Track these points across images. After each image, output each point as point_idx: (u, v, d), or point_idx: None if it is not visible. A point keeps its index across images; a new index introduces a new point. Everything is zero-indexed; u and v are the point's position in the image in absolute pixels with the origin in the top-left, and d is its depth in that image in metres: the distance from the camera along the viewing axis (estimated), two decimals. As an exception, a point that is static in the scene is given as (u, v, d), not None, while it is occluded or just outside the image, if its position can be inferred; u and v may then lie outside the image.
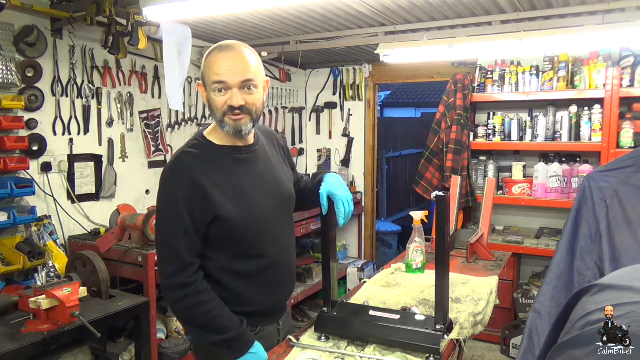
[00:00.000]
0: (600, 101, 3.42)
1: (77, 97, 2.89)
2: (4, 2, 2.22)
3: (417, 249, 2.10)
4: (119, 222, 2.79)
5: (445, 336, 1.43)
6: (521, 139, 3.78)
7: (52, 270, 2.42)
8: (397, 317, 1.49)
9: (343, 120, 4.87)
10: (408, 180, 7.04)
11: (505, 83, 3.75)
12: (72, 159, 2.88)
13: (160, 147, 3.43)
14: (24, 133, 2.59)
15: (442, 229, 1.42)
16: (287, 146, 1.77)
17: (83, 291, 2.14)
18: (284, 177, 1.62)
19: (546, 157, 3.74)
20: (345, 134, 4.87)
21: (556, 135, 3.65)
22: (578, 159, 3.68)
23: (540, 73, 3.63)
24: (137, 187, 3.30)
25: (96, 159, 3.02)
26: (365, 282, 2.04)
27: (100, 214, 3.04)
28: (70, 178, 2.87)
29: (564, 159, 3.69)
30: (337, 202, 1.50)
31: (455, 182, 2.65)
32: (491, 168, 3.92)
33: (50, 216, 2.71)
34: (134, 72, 3.24)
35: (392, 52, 3.17)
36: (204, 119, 3.76)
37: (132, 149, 3.24)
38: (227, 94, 1.40)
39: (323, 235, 1.59)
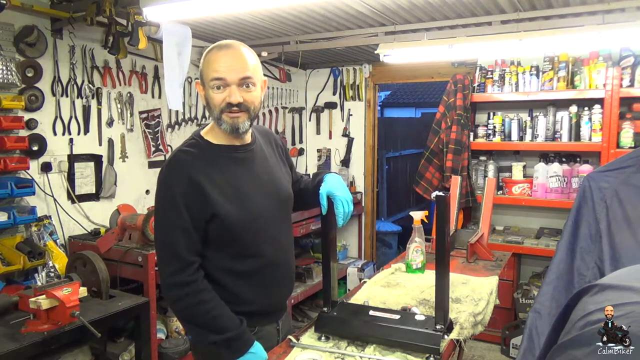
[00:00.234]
0: (600, 101, 3.42)
1: (77, 97, 2.89)
2: (4, 2, 2.22)
3: (417, 249, 2.10)
4: (119, 222, 2.79)
5: (445, 336, 1.43)
6: (521, 139, 3.78)
7: (52, 270, 2.42)
8: (397, 317, 1.49)
9: (343, 120, 4.87)
10: (408, 180, 7.04)
11: (505, 83, 3.75)
12: (72, 159, 2.88)
13: (160, 147, 3.43)
14: (24, 133, 2.59)
15: (442, 229, 1.42)
16: (285, 146, 1.77)
17: (83, 291, 2.14)
18: (281, 177, 1.62)
19: (546, 157, 3.74)
20: (345, 134, 4.87)
21: (556, 135, 3.65)
22: (578, 159, 3.68)
23: (540, 73, 3.63)
24: (137, 187, 3.30)
25: (96, 159, 3.02)
26: (365, 282, 2.04)
27: (100, 214, 3.04)
28: (70, 178, 2.87)
29: (564, 159, 3.69)
30: (337, 202, 1.50)
31: (455, 182, 2.65)
32: (491, 168, 3.92)
33: (50, 216, 2.71)
34: (134, 72, 3.24)
35: (392, 52, 3.17)
36: (203, 119, 3.76)
37: (132, 149, 3.24)
38: (225, 91, 1.41)
39: (323, 235, 1.59)
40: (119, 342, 2.69)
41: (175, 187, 1.39)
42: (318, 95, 4.93)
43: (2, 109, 2.45)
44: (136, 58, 3.24)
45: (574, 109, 3.57)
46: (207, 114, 3.75)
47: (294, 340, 1.50)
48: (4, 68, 2.40)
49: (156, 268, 2.50)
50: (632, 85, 3.32)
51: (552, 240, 3.56)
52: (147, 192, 3.35)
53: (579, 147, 3.57)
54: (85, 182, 2.96)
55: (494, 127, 3.84)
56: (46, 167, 2.73)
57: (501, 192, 3.86)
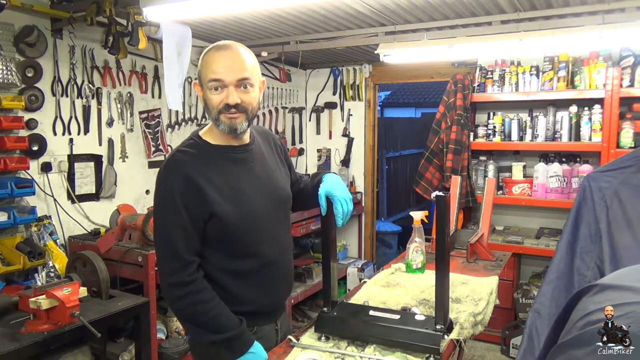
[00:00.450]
0: (600, 101, 3.42)
1: (77, 97, 2.89)
2: (4, 2, 2.22)
3: (417, 249, 2.10)
4: (119, 222, 2.79)
5: (445, 336, 1.43)
6: (521, 139, 3.78)
7: (52, 270, 2.42)
8: (397, 317, 1.49)
9: (343, 120, 4.87)
10: (408, 180, 7.04)
11: (505, 83, 3.75)
12: (72, 159, 2.88)
13: (160, 147, 3.43)
14: (24, 133, 2.59)
15: (442, 229, 1.42)
16: (285, 146, 1.77)
17: (83, 291, 2.14)
18: (280, 177, 1.62)
19: (546, 157, 3.74)
20: (345, 134, 4.87)
21: (556, 135, 3.65)
22: (578, 159, 3.68)
23: (540, 73, 3.63)
24: (137, 187, 3.30)
25: (96, 159, 3.02)
26: (365, 282, 2.04)
27: (100, 214, 3.04)
28: (70, 178, 2.87)
29: (564, 159, 3.69)
30: (336, 202, 1.50)
31: (455, 182, 2.65)
32: (491, 168, 3.92)
33: (50, 216, 2.71)
34: (134, 72, 3.24)
35: (392, 52, 3.17)
36: (203, 119, 3.76)
37: (132, 149, 3.24)
38: (223, 92, 1.41)
39: (323, 235, 1.59)
40: (119, 342, 2.69)
41: (174, 187, 1.39)
42: (318, 95, 4.93)
43: (2, 109, 2.45)
44: (136, 58, 3.24)
45: (574, 109, 3.57)
46: (206, 114, 3.74)
47: (294, 340, 1.50)
48: (4, 68, 2.40)
49: (156, 268, 2.50)
50: (632, 85, 3.32)
51: (552, 240, 3.56)
52: (147, 192, 3.35)
53: (579, 147, 3.57)
54: (85, 182, 2.96)
55: (494, 127, 3.84)
56: (46, 167, 2.73)
57: (501, 192, 3.86)
